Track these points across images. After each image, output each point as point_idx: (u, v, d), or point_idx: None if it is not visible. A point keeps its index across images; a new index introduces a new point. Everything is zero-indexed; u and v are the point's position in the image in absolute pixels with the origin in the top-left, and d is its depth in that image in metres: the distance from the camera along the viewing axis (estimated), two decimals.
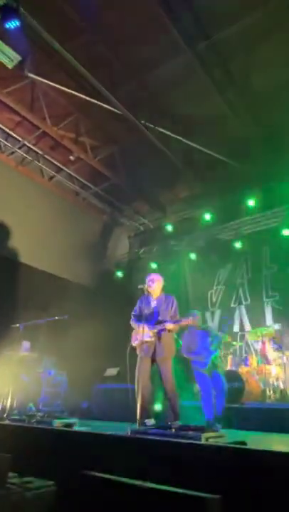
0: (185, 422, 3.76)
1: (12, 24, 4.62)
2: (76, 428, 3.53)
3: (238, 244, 7.88)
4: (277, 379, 5.72)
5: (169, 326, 3.90)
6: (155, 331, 3.93)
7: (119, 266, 9.47)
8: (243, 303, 7.77)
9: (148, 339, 3.92)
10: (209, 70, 5.80)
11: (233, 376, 5.65)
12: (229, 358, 6.51)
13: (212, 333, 4.97)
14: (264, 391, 5.54)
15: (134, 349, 4.06)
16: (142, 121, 6.64)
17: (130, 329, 4.24)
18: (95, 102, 6.30)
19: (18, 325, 5.44)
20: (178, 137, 6.83)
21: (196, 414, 4.56)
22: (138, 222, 9.73)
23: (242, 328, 7.57)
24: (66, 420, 3.82)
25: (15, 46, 5.07)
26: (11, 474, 2.29)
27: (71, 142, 7.53)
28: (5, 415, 4.56)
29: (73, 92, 6.26)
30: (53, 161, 7.95)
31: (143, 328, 3.93)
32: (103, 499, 1.81)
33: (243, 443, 2.37)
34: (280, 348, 5.90)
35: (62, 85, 6.19)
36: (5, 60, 5.13)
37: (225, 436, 2.81)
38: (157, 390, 4.11)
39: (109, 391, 6.21)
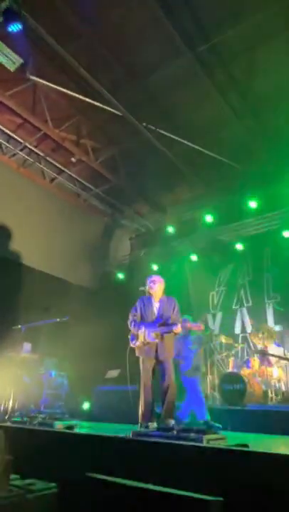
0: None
1: (14, 27, 4.65)
2: (77, 430, 3.53)
3: (239, 246, 7.88)
4: (279, 381, 5.71)
5: (178, 329, 3.88)
6: (159, 333, 3.92)
7: (120, 267, 9.47)
8: (245, 304, 7.76)
9: (151, 341, 3.91)
10: (210, 72, 5.81)
11: (235, 378, 5.65)
12: (231, 360, 6.50)
13: (194, 335, 5.02)
14: (266, 393, 5.53)
15: (133, 351, 4.06)
16: (143, 124, 6.66)
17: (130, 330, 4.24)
18: (96, 104, 6.32)
19: (19, 326, 5.45)
20: (179, 139, 6.84)
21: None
22: (139, 223, 9.73)
23: (243, 329, 7.57)
24: (67, 422, 3.82)
25: (17, 49, 5.10)
26: (12, 476, 2.29)
27: (72, 144, 7.55)
28: (6, 417, 4.56)
29: (74, 95, 6.28)
30: (54, 162, 7.97)
31: (145, 329, 3.93)
32: (105, 501, 1.81)
33: (246, 445, 2.36)
34: (281, 346, 5.94)
35: (63, 88, 6.22)
36: (7, 63, 5.15)
37: (227, 439, 2.80)
38: (159, 391, 4.11)
39: (111, 393, 6.20)
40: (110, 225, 9.66)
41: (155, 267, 8.65)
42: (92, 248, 8.91)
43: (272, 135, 6.54)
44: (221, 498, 1.48)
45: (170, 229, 8.45)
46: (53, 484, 2.24)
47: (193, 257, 8.50)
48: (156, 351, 3.91)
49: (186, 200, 8.75)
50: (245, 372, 5.99)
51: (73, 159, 7.71)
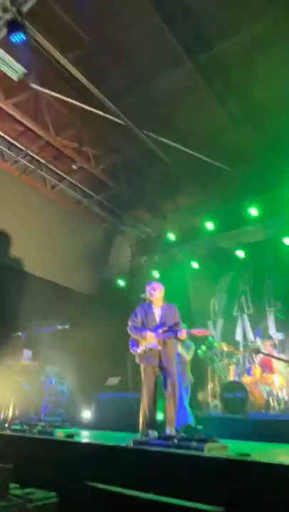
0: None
1: (17, 38, 4.72)
2: (77, 438, 3.50)
3: (239, 253, 7.88)
4: (281, 389, 5.66)
5: (183, 335, 3.87)
6: (162, 339, 3.90)
7: (120, 274, 9.47)
8: (246, 312, 7.73)
9: (154, 348, 3.90)
10: (210, 80, 5.88)
11: (237, 386, 5.61)
12: (232, 367, 6.46)
13: (185, 343, 4.99)
14: (268, 402, 5.49)
15: (133, 358, 4.04)
16: (144, 131, 6.72)
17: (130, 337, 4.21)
18: (97, 112, 6.39)
19: (19, 333, 5.43)
20: (179, 146, 6.89)
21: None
22: (140, 230, 9.76)
23: (245, 337, 7.53)
24: (68, 430, 3.79)
25: (20, 58, 5.17)
26: (12, 485, 2.26)
27: (74, 152, 7.61)
28: (6, 425, 4.53)
29: (76, 103, 6.35)
30: (55, 170, 8.03)
31: (147, 336, 3.91)
32: (105, 511, 1.79)
33: (247, 455, 2.34)
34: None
35: (65, 96, 6.29)
36: (10, 73, 5.22)
37: (228, 448, 2.78)
38: (160, 399, 4.08)
39: (112, 400, 6.16)
40: (111, 232, 9.69)
41: (156, 274, 8.65)
42: (92, 255, 8.91)
43: (271, 142, 6.58)
44: (223, 508, 1.47)
45: (171, 235, 8.47)
46: (53, 493, 2.22)
47: (194, 264, 8.50)
48: (160, 358, 3.89)
49: (186, 206, 8.78)
50: (246, 380, 5.95)
51: (74, 166, 7.76)
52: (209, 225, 7.71)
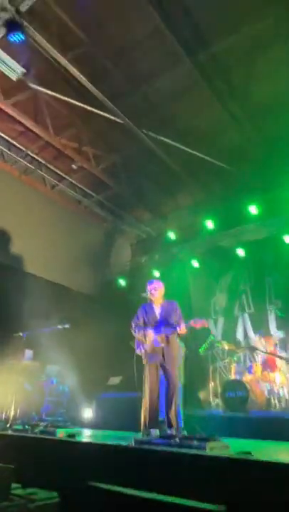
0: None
1: (16, 37, 4.71)
2: (79, 438, 3.50)
3: (240, 252, 7.88)
4: (282, 387, 5.66)
5: (183, 329, 3.88)
6: (164, 336, 3.91)
7: (121, 274, 9.47)
8: (246, 310, 7.74)
9: (157, 346, 3.90)
10: (210, 80, 5.87)
11: (238, 385, 5.62)
12: (233, 366, 6.47)
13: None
14: (269, 400, 5.49)
15: (139, 358, 4.05)
16: (144, 131, 6.71)
17: (133, 338, 4.23)
18: (97, 112, 6.38)
19: (20, 333, 5.44)
20: (179, 145, 6.89)
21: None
22: (140, 229, 9.76)
23: (245, 335, 7.54)
24: (69, 430, 3.80)
25: (19, 58, 5.16)
26: (14, 485, 2.27)
27: (74, 152, 7.60)
28: (8, 425, 4.54)
29: (75, 103, 6.34)
30: (55, 170, 8.02)
31: (148, 334, 3.92)
32: (107, 511, 1.79)
33: (249, 453, 2.35)
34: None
35: (64, 96, 6.28)
36: (9, 73, 5.21)
37: (229, 446, 2.78)
38: (162, 398, 4.09)
39: (113, 400, 6.17)
40: (111, 232, 9.69)
41: (157, 273, 8.65)
42: (93, 254, 8.91)
43: (271, 142, 6.58)
44: (224, 507, 1.47)
45: (171, 234, 8.46)
46: (55, 493, 2.22)
47: (195, 263, 8.50)
48: (163, 357, 3.90)
49: (186, 206, 8.78)
50: (247, 378, 5.95)
51: (74, 166, 7.76)
52: (209, 224, 7.70)
